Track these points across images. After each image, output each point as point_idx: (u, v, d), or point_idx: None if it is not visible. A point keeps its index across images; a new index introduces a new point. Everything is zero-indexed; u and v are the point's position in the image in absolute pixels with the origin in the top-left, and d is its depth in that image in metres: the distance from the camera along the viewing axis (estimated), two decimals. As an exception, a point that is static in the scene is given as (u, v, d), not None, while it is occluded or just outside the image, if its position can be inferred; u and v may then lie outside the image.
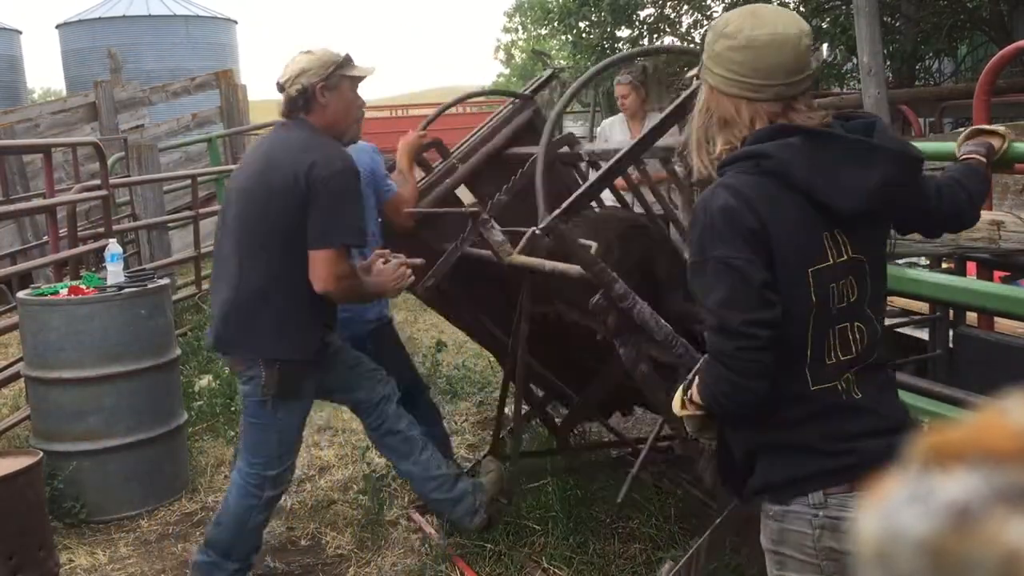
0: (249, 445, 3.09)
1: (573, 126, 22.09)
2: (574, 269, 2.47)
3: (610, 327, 2.45)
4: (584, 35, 10.30)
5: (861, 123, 1.73)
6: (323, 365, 3.11)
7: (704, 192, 1.73)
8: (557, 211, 2.41)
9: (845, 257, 1.68)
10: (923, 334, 3.12)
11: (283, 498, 4.03)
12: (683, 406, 1.81)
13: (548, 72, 4.84)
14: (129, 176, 8.15)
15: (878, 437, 1.67)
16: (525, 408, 3.84)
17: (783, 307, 1.63)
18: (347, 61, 3.03)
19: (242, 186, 3.00)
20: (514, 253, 2.79)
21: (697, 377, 1.77)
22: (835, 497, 1.65)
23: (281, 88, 2.99)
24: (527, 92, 4.18)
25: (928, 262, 3.02)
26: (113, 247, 4.21)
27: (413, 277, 3.12)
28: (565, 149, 3.80)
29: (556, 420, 4.12)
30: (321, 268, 2.84)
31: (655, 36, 10.40)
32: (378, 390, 3.28)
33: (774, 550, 1.74)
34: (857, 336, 1.70)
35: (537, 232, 2.45)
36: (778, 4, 9.88)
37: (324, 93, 2.95)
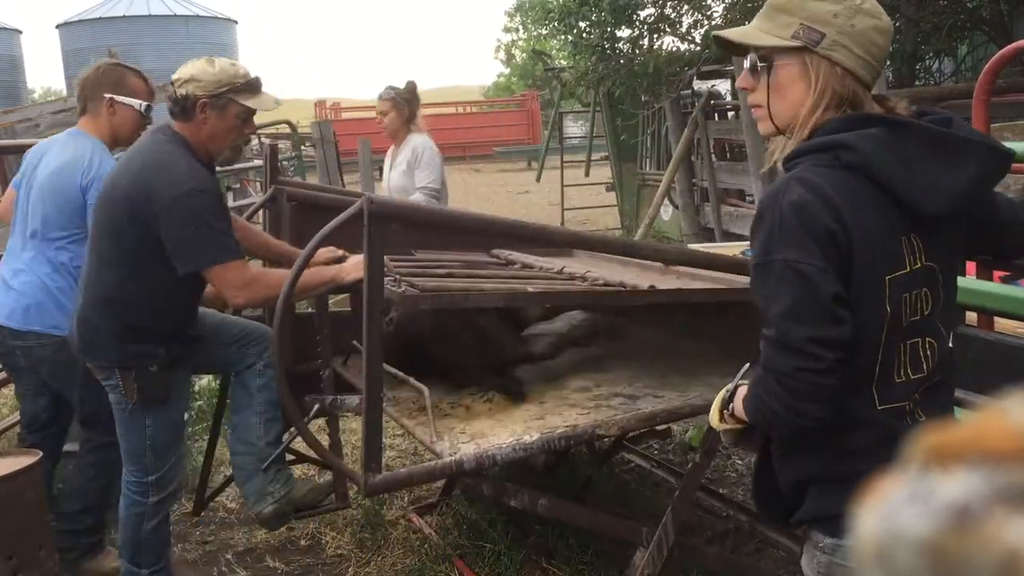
0: (125, 453, 3.03)
1: (573, 126, 22.12)
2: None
3: None
4: (584, 35, 10.29)
5: (937, 118, 1.55)
6: (188, 363, 3.04)
7: (773, 185, 1.54)
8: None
9: (919, 265, 1.52)
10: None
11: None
12: (721, 419, 1.67)
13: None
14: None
15: None
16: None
17: (856, 320, 1.46)
18: (247, 87, 2.86)
19: (99, 194, 2.97)
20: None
21: (739, 390, 1.64)
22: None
23: (171, 84, 2.91)
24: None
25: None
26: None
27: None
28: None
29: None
30: (215, 285, 2.81)
31: (655, 36, 10.39)
32: (265, 354, 3.13)
33: None
34: (928, 353, 1.55)
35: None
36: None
37: (205, 110, 2.83)
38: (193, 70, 2.85)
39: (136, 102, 3.44)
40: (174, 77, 2.89)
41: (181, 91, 2.83)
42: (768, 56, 1.58)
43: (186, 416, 3.18)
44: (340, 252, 3.08)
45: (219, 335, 3.16)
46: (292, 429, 3.10)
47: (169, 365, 2.93)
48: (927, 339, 1.55)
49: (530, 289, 2.66)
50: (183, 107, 2.83)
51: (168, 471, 3.07)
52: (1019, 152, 2.01)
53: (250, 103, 2.86)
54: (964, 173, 1.48)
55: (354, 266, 2.77)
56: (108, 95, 3.43)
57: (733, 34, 1.65)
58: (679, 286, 2.92)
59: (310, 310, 3.48)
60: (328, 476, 4.11)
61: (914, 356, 1.54)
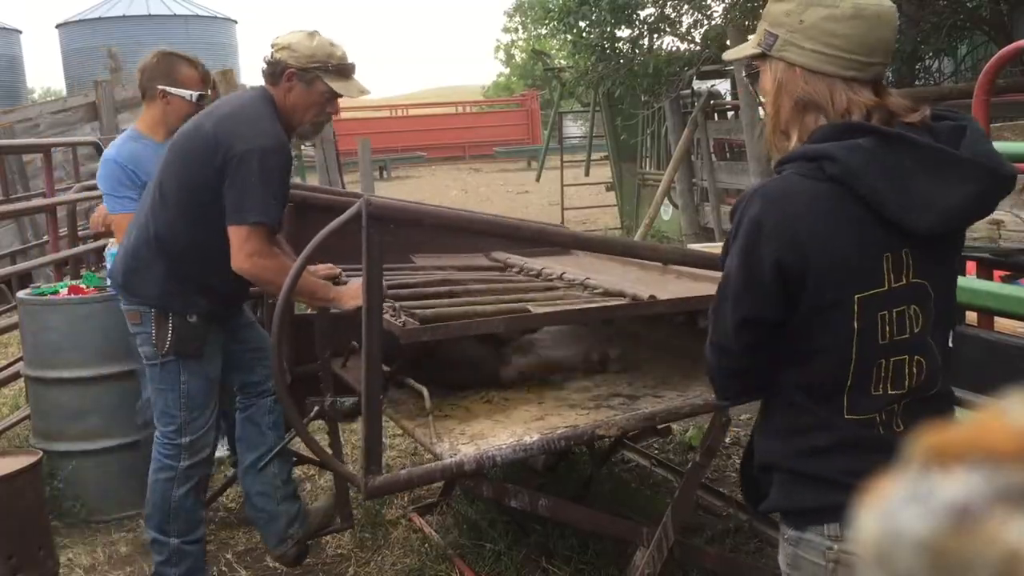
0: (157, 412, 3.00)
1: (573, 126, 22.12)
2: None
3: None
4: (584, 35, 10.29)
5: (949, 125, 1.48)
6: (224, 331, 3.03)
7: (745, 192, 1.55)
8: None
9: (904, 282, 1.48)
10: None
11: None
12: None
13: None
14: (129, 176, 8.14)
15: None
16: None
17: (825, 332, 1.49)
18: (337, 70, 2.87)
19: (177, 136, 2.98)
20: None
21: None
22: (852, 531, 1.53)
23: (271, 48, 2.93)
24: None
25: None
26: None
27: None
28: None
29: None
30: (234, 243, 2.76)
31: (655, 36, 10.39)
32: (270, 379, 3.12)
33: (789, 574, 1.65)
34: (915, 370, 1.52)
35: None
36: (778, 4, 9.87)
37: (292, 79, 2.84)
38: (292, 39, 2.87)
39: (187, 92, 3.46)
40: (273, 41, 2.92)
41: (276, 56, 2.86)
42: (753, 67, 1.61)
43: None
44: (338, 271, 3.06)
45: (244, 334, 3.16)
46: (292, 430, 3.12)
47: (208, 319, 2.92)
48: (915, 357, 1.51)
49: (531, 309, 2.66)
50: (273, 71, 2.86)
51: (203, 434, 3.00)
52: (1019, 152, 2.01)
53: (335, 86, 2.87)
54: (959, 191, 1.43)
55: (353, 294, 2.75)
56: (161, 86, 3.45)
57: (730, 53, 1.72)
58: (681, 294, 2.92)
59: (309, 311, 3.47)
60: (328, 475, 4.11)
61: (897, 372, 1.51)
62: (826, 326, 1.49)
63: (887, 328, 1.48)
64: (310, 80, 2.84)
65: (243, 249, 2.75)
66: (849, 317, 1.47)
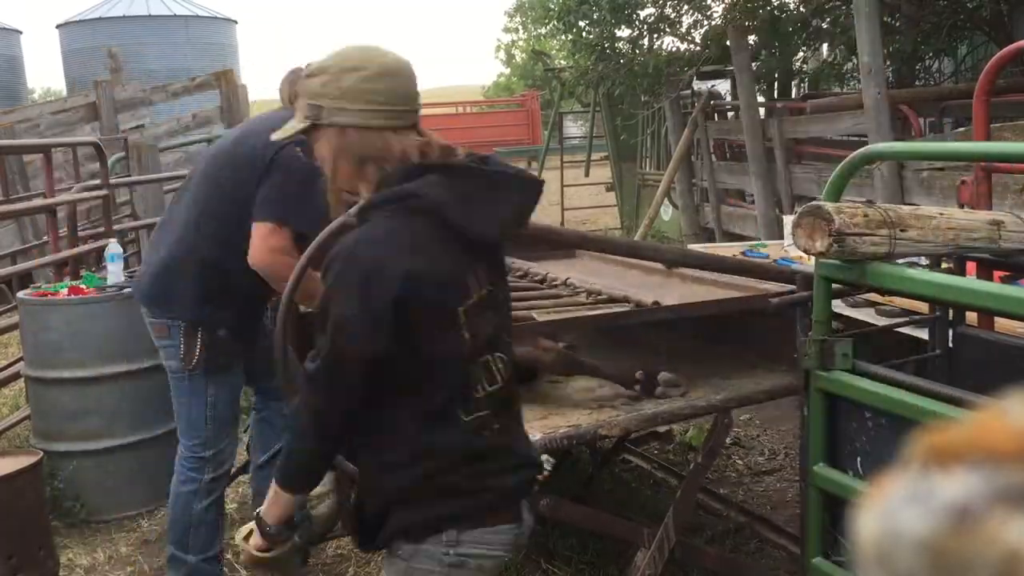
0: (184, 424, 2.99)
1: (573, 126, 22.11)
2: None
3: None
4: (584, 35, 10.29)
5: (477, 157, 1.74)
6: (251, 344, 3.03)
7: (340, 248, 1.66)
8: None
9: (484, 291, 1.69)
10: (923, 334, 3.12)
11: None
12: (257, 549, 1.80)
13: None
14: (129, 176, 8.15)
15: (515, 472, 1.74)
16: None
17: (444, 347, 1.65)
18: None
19: (213, 151, 3.00)
20: None
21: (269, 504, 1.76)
22: (469, 534, 1.68)
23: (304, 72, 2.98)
24: None
25: (928, 262, 3.02)
26: (113, 247, 4.21)
27: None
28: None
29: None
30: (256, 237, 2.75)
31: (655, 36, 10.39)
32: None
33: None
34: (500, 366, 1.71)
35: None
36: (779, 4, 9.90)
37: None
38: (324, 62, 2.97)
39: None
40: (306, 65, 2.99)
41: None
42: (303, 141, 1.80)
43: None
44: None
45: (262, 342, 3.12)
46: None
47: (237, 334, 2.92)
48: (497, 355, 1.71)
49: (536, 317, 2.66)
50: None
51: (226, 446, 3.01)
52: (1019, 152, 2.01)
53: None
54: (508, 203, 1.70)
55: None
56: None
57: (278, 135, 1.86)
58: (685, 298, 2.92)
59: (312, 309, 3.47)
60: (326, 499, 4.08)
61: (488, 371, 1.69)
62: (444, 342, 1.64)
63: (481, 332, 1.68)
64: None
65: (267, 242, 2.72)
66: (459, 330, 1.64)
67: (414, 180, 1.63)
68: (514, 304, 2.81)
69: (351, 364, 1.62)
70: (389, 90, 1.65)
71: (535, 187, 1.77)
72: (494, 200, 1.68)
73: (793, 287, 2.83)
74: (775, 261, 4.49)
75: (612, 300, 2.83)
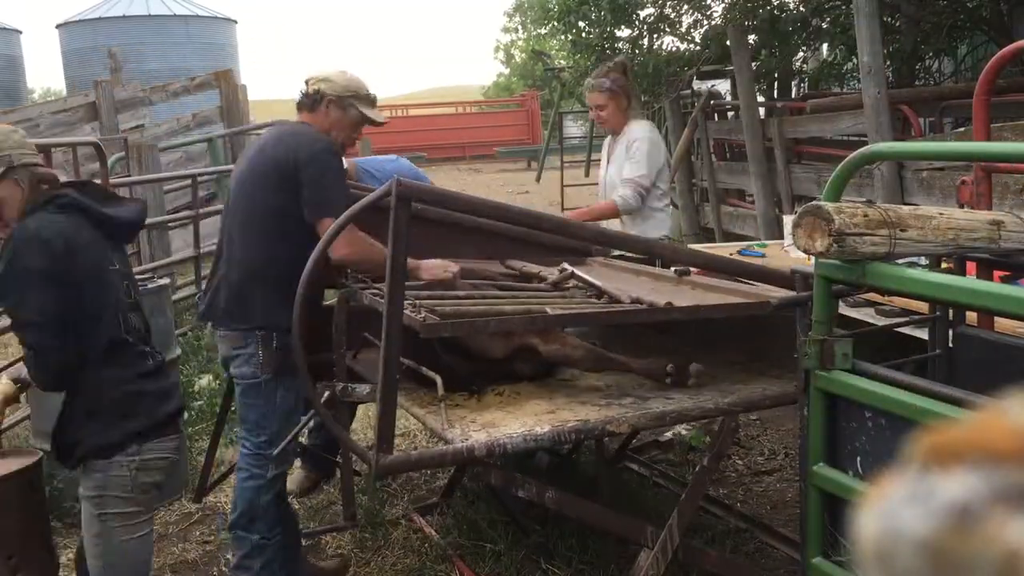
0: (251, 426, 3.15)
1: (573, 126, 22.13)
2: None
3: None
4: (584, 35, 10.29)
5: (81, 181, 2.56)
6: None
7: (13, 244, 2.45)
8: None
9: (117, 267, 2.56)
10: (923, 334, 3.12)
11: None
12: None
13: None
14: (129, 176, 8.15)
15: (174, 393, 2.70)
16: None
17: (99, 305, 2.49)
18: (368, 99, 3.27)
19: (239, 172, 3.24)
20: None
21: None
22: (150, 443, 2.54)
23: (306, 83, 3.25)
24: None
25: (928, 262, 3.02)
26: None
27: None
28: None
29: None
30: (327, 237, 2.81)
31: (655, 36, 10.39)
32: None
33: (96, 495, 2.56)
34: (142, 317, 2.62)
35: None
36: (779, 3, 9.90)
37: (331, 106, 3.19)
38: (328, 73, 3.27)
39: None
40: (307, 78, 3.27)
41: (314, 87, 3.21)
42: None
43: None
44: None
45: None
46: (302, 417, 3.20)
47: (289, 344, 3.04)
48: (135, 312, 2.63)
49: (549, 311, 2.67)
50: (313, 100, 3.21)
51: (287, 449, 3.17)
52: (1019, 152, 2.01)
53: (367, 112, 3.26)
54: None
55: (431, 267, 3.04)
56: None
57: None
58: (696, 301, 2.92)
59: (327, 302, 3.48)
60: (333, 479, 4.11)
61: (135, 322, 2.62)
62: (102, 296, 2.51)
63: (123, 291, 2.56)
64: (346, 107, 3.21)
65: (344, 237, 2.83)
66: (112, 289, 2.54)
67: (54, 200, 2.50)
68: (528, 302, 2.83)
69: (47, 329, 2.52)
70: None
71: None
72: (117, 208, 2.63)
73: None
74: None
75: (622, 302, 2.85)
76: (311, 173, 3.01)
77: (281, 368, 3.05)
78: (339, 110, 3.20)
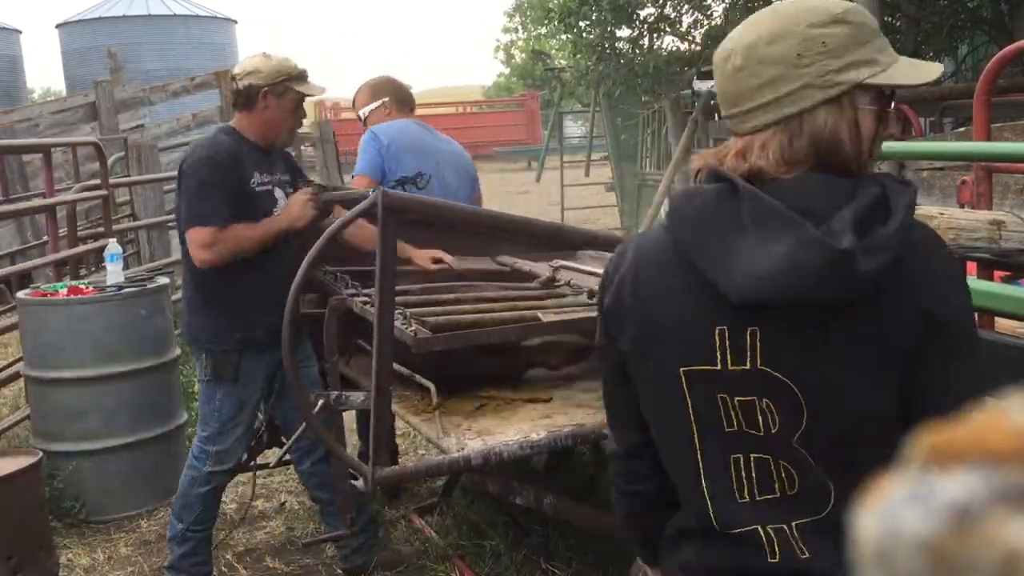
0: (200, 420, 3.29)
1: (573, 126, 22.13)
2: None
3: None
4: (584, 34, 10.29)
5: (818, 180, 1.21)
6: (269, 364, 3.19)
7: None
8: None
9: (748, 366, 1.20)
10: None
11: (286, 500, 4.03)
12: None
13: None
14: (129, 176, 8.15)
15: None
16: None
17: (654, 412, 1.33)
18: (300, 76, 3.17)
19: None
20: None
21: None
22: None
23: (233, 79, 3.20)
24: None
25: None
26: (113, 247, 4.21)
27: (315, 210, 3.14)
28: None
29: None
30: (191, 248, 3.04)
31: (655, 36, 10.39)
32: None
33: None
34: (783, 474, 1.22)
35: None
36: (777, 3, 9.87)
37: (267, 97, 3.11)
38: (253, 64, 3.14)
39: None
40: (235, 72, 3.20)
41: (244, 83, 3.11)
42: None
43: (254, 403, 3.29)
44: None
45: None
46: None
47: (241, 350, 3.13)
48: (779, 460, 1.23)
49: (542, 317, 2.66)
50: (247, 97, 3.12)
51: (228, 450, 3.24)
52: (1020, 152, 2.01)
53: (304, 89, 3.17)
54: (772, 255, 1.13)
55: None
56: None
57: None
58: None
59: (318, 310, 3.48)
60: None
61: (760, 474, 1.24)
62: (660, 404, 1.31)
63: (730, 417, 1.23)
64: (281, 92, 3.12)
65: (196, 245, 3.00)
66: (680, 394, 1.26)
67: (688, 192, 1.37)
68: (519, 305, 2.82)
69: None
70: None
71: (833, 257, 1.11)
72: (760, 242, 1.19)
73: None
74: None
75: None
76: (185, 183, 3.04)
77: (218, 373, 3.15)
78: (276, 98, 3.12)
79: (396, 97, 4.06)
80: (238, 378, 3.18)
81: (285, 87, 3.12)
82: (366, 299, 2.84)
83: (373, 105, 4.01)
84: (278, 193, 3.21)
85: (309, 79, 3.23)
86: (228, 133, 3.17)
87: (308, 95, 3.20)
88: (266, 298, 3.02)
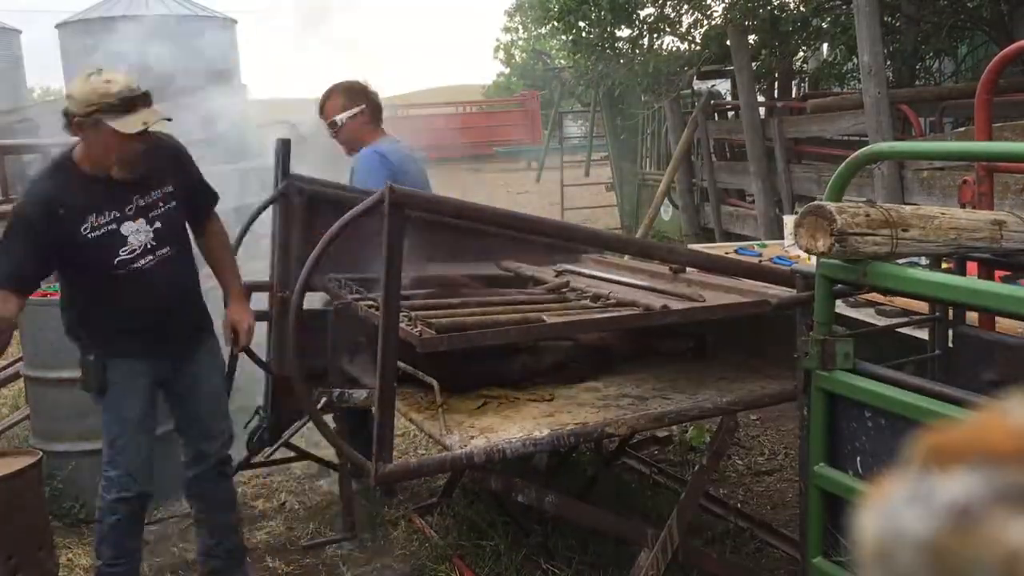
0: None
1: (573, 126, 22.11)
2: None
3: None
4: (584, 34, 10.28)
5: None
6: (149, 374, 3.01)
7: None
8: None
9: None
10: (923, 334, 3.12)
11: (286, 500, 4.02)
12: None
13: None
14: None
15: None
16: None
17: None
18: (117, 107, 2.65)
19: None
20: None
21: None
22: None
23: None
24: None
25: (928, 262, 3.02)
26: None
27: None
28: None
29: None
30: None
31: (655, 36, 10.38)
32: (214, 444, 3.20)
33: None
34: None
35: None
36: (779, 3, 9.89)
37: (81, 127, 2.69)
38: (72, 86, 2.73)
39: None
40: (65, 91, 2.92)
41: (65, 106, 2.71)
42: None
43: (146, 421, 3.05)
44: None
45: (197, 389, 3.16)
46: (297, 422, 3.19)
47: (104, 359, 2.96)
48: None
49: (546, 319, 2.67)
50: (67, 123, 2.72)
51: (128, 474, 2.94)
52: (1020, 152, 2.01)
53: (115, 124, 2.66)
54: None
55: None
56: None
57: None
58: (694, 303, 2.93)
59: (319, 307, 3.48)
60: (327, 479, 4.11)
61: None
62: None
63: None
64: (90, 126, 2.68)
65: None
66: None
67: None
68: (524, 308, 2.83)
69: None
70: None
71: None
72: None
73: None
74: (771, 260, 4.49)
75: (621, 305, 2.84)
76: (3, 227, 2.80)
77: (86, 387, 3.01)
78: (89, 132, 2.69)
79: (372, 106, 4.01)
80: (105, 391, 2.94)
81: (95, 119, 2.65)
82: (371, 303, 2.84)
83: (351, 112, 3.96)
84: (128, 228, 2.83)
85: (140, 108, 2.68)
86: (60, 168, 2.80)
87: (120, 132, 2.66)
88: (131, 328, 2.93)
